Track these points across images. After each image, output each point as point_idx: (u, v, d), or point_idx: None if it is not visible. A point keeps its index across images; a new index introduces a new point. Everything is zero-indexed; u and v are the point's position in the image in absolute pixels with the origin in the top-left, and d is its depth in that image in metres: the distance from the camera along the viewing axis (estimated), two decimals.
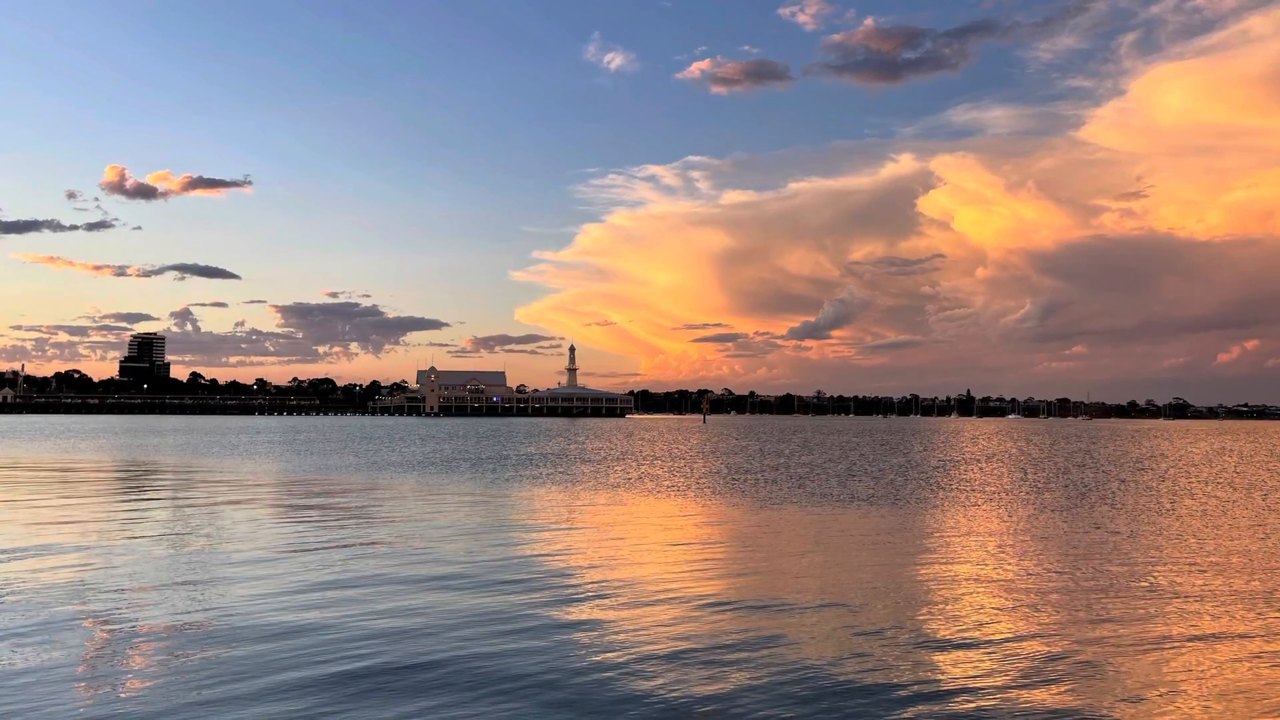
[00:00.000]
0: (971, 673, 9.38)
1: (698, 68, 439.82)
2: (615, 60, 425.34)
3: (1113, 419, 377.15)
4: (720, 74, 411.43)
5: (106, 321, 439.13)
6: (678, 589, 13.55)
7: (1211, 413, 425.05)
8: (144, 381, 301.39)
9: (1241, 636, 11.04)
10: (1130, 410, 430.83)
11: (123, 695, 8.36)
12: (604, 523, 22.06)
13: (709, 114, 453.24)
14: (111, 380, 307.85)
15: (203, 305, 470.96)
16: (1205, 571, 15.42)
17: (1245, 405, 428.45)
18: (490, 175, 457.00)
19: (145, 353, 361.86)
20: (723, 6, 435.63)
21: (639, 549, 17.76)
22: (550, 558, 16.37)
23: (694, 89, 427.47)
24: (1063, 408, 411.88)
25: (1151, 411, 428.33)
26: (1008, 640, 10.72)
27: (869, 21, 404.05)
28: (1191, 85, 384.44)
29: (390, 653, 9.86)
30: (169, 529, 19.77)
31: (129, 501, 26.23)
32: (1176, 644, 10.62)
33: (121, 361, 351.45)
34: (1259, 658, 10.10)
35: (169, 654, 9.72)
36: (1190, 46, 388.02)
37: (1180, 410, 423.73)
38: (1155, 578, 14.76)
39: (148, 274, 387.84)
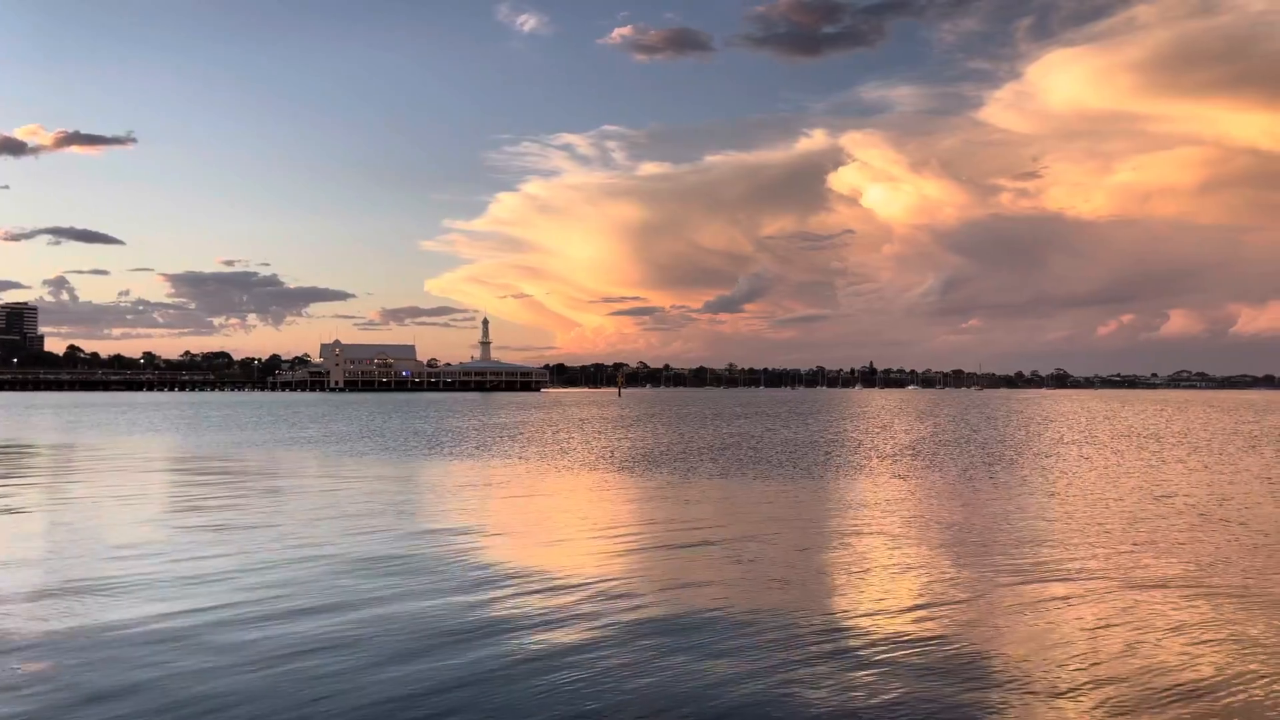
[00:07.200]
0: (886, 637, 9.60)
1: (619, 34, 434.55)
2: (529, 22, 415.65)
3: (1001, 389, 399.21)
4: (643, 41, 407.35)
5: None
6: (584, 567, 13.42)
7: (1088, 382, 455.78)
8: (13, 356, 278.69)
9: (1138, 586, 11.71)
10: (1017, 380, 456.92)
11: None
12: (510, 497, 21.67)
13: (628, 82, 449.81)
14: None
15: (81, 273, 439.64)
16: (1088, 524, 16.36)
17: (1118, 375, 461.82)
18: (398, 139, 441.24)
19: (15, 324, 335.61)
20: None
21: (547, 525, 17.52)
22: (452, 537, 15.93)
23: (614, 56, 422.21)
24: (957, 379, 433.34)
25: (1036, 381, 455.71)
26: (908, 590, 11.07)
27: None
28: (1081, 71, 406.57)
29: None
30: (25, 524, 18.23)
31: None
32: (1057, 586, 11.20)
33: None
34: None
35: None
36: (1081, 33, 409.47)
37: (1061, 380, 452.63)
38: (1047, 531, 15.55)
39: (16, 238, 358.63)
